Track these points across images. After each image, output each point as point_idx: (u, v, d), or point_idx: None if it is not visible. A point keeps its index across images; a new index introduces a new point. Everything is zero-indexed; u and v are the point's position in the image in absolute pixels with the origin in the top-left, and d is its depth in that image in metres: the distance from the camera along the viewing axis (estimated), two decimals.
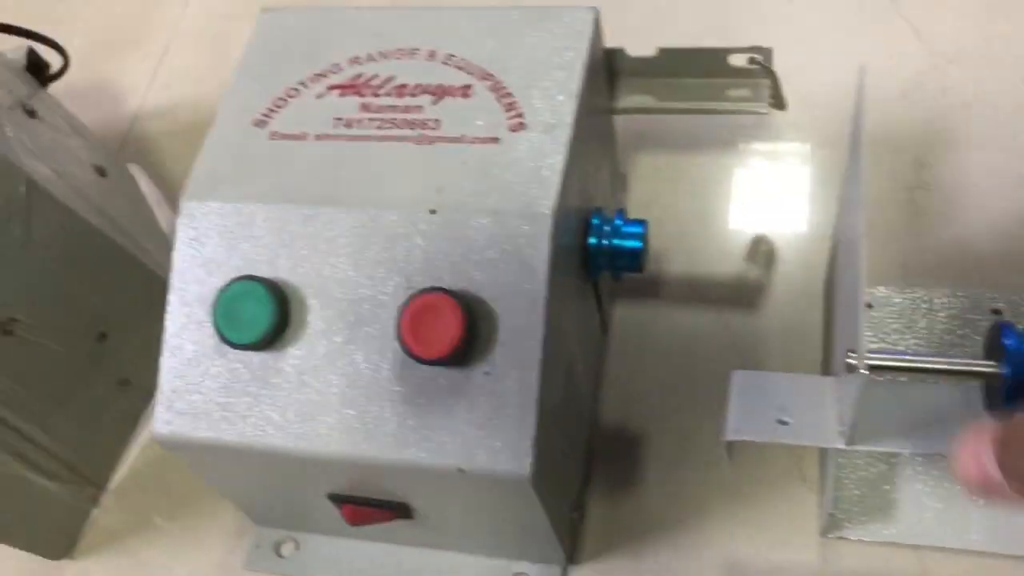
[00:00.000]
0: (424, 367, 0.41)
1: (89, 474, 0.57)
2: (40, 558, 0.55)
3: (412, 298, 0.41)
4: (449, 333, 0.40)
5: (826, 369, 0.53)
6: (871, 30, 0.66)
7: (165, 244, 0.65)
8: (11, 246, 0.49)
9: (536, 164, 0.42)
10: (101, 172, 0.61)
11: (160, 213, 0.68)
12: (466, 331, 0.40)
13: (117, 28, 0.80)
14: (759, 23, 0.68)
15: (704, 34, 0.68)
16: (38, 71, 0.63)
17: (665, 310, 0.58)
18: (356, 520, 0.47)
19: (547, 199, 0.41)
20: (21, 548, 0.54)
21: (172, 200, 0.69)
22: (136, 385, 0.59)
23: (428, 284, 0.41)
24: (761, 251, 0.59)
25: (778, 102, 0.53)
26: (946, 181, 0.59)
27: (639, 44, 0.53)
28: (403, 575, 0.52)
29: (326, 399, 0.42)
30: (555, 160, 0.42)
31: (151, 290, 0.59)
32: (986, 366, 0.37)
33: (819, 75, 0.64)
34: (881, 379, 0.37)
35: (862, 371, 0.34)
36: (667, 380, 0.55)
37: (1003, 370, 0.36)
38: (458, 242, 0.42)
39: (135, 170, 0.70)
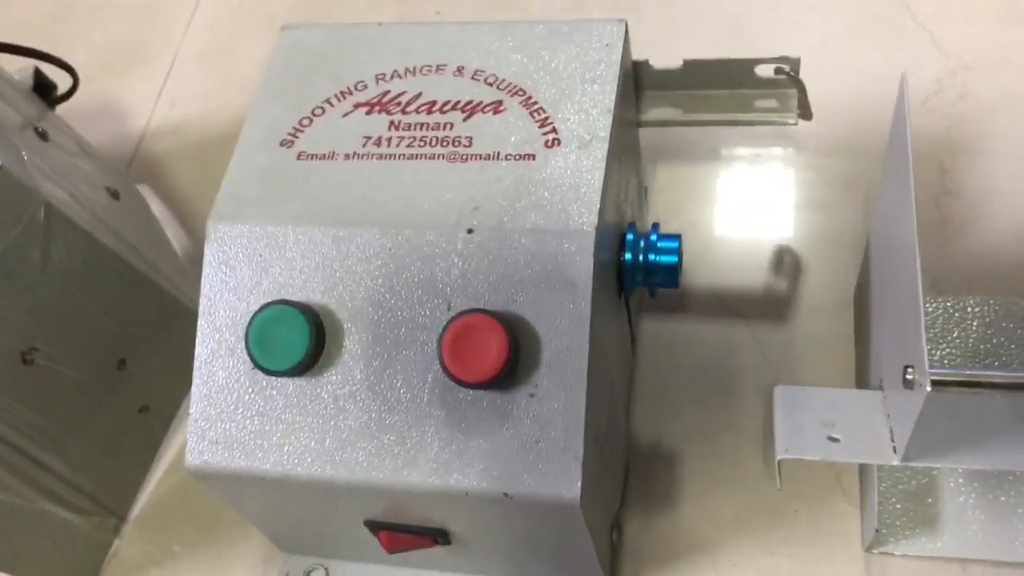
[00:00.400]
0: (466, 390, 0.40)
1: (110, 504, 0.55)
2: None
3: (452, 320, 0.40)
4: (492, 355, 0.39)
5: (861, 380, 0.52)
6: (888, 38, 0.66)
7: (178, 266, 0.64)
8: (30, 272, 0.48)
9: (574, 181, 0.42)
10: (114, 195, 0.60)
11: (172, 234, 0.67)
12: (510, 353, 0.39)
13: (121, 46, 0.79)
14: (774, 33, 0.68)
15: (719, 44, 0.68)
16: (45, 92, 0.62)
17: (692, 324, 0.57)
18: (394, 547, 0.46)
19: (588, 216, 0.40)
20: None
21: (183, 220, 0.68)
22: (155, 411, 0.58)
23: (468, 305, 0.40)
24: (786, 262, 0.58)
25: (805, 112, 0.53)
26: (971, 187, 0.59)
27: (654, 55, 0.52)
28: None
29: (365, 425, 0.41)
30: (593, 176, 0.42)
31: (168, 313, 0.58)
32: None
33: (837, 84, 0.63)
34: (941, 395, 0.37)
35: (926, 388, 0.33)
36: (698, 395, 0.55)
37: None
38: (498, 262, 0.41)
39: (144, 191, 0.69)
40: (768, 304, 0.57)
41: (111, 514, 0.56)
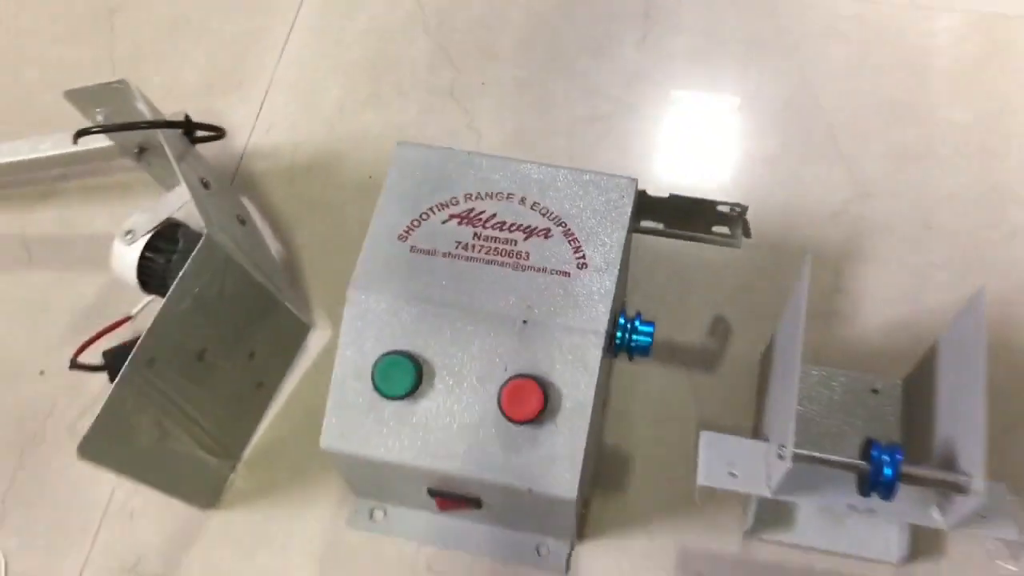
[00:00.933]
0: (512, 424, 0.64)
1: (231, 450, 0.78)
2: (195, 508, 0.77)
3: (509, 380, 0.63)
4: (532, 406, 0.63)
5: (757, 420, 0.77)
6: (815, 161, 0.89)
7: (277, 268, 0.85)
8: (210, 302, 0.70)
9: (594, 296, 0.65)
10: (242, 221, 0.81)
11: (268, 240, 0.88)
12: (543, 405, 0.63)
13: (221, 69, 0.98)
14: (728, 139, 0.91)
15: (689, 166, 0.91)
16: (188, 131, 0.82)
17: (649, 366, 0.81)
18: (444, 507, 0.70)
19: (601, 323, 0.64)
20: (184, 501, 0.75)
21: (275, 230, 0.89)
22: (267, 386, 0.80)
23: (519, 371, 0.64)
24: (719, 328, 0.82)
25: (746, 234, 0.76)
26: (854, 288, 0.83)
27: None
28: (458, 537, 0.75)
29: (446, 436, 0.65)
30: (607, 296, 0.65)
31: (274, 311, 0.80)
32: (860, 464, 0.62)
33: (771, 191, 0.87)
34: (798, 465, 0.61)
35: (788, 464, 0.58)
36: (648, 416, 0.79)
37: (869, 468, 0.61)
38: (540, 344, 0.64)
39: (246, 202, 0.89)
40: (703, 358, 0.81)
41: (231, 457, 0.79)
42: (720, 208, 0.75)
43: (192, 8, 1.03)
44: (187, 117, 0.81)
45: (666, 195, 0.75)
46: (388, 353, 0.65)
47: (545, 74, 0.96)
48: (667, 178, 0.90)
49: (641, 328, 0.70)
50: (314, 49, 0.99)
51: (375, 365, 0.65)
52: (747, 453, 0.67)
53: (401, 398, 0.65)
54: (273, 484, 0.79)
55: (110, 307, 0.86)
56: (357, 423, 0.66)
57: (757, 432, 0.77)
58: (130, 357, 0.64)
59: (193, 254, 0.66)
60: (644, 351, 0.70)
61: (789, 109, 0.92)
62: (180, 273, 0.65)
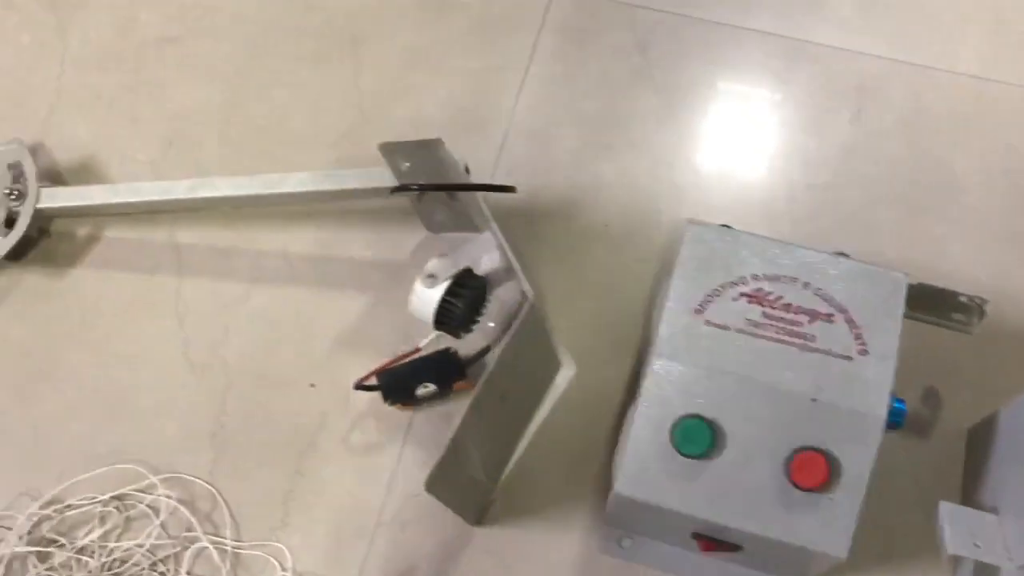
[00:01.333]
0: (797, 490, 0.73)
1: (496, 474, 0.87)
2: (466, 524, 0.86)
3: (798, 451, 0.72)
4: (820, 477, 0.71)
5: (968, 488, 0.86)
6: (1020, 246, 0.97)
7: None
8: (521, 350, 0.78)
9: (876, 382, 0.73)
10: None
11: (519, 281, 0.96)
12: (828, 476, 0.72)
13: (461, 107, 1.06)
14: (924, 240, 0.99)
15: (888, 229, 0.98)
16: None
17: None
18: (707, 550, 0.79)
19: (882, 407, 0.73)
20: (464, 519, 0.85)
21: (520, 264, 0.97)
22: (527, 418, 0.89)
23: (806, 443, 0.73)
24: (930, 398, 0.91)
25: (980, 319, 0.84)
26: None
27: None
28: (696, 571, 0.85)
29: (733, 494, 0.73)
30: (887, 383, 0.73)
31: (545, 353, 0.89)
32: None
33: (975, 273, 0.95)
34: None
35: None
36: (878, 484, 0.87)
37: None
38: (827, 421, 0.73)
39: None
40: (915, 424, 0.90)
41: (495, 480, 0.88)
42: (961, 298, 0.83)
43: (430, 43, 1.10)
44: (466, 168, 0.89)
45: (915, 283, 0.83)
46: (687, 416, 0.73)
47: (766, 141, 1.03)
48: (872, 249, 0.97)
49: (896, 406, 0.79)
50: (548, 96, 1.06)
51: (674, 426, 0.73)
52: (985, 526, 0.76)
53: (697, 457, 0.74)
54: (528, 506, 0.88)
55: (370, 327, 0.96)
56: (652, 475, 0.74)
57: (967, 498, 0.86)
58: (471, 403, 0.73)
59: (522, 314, 0.75)
60: (896, 426, 0.79)
61: (990, 190, 1.00)
62: (512, 331, 0.74)
